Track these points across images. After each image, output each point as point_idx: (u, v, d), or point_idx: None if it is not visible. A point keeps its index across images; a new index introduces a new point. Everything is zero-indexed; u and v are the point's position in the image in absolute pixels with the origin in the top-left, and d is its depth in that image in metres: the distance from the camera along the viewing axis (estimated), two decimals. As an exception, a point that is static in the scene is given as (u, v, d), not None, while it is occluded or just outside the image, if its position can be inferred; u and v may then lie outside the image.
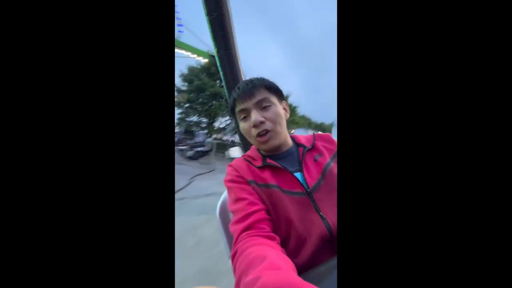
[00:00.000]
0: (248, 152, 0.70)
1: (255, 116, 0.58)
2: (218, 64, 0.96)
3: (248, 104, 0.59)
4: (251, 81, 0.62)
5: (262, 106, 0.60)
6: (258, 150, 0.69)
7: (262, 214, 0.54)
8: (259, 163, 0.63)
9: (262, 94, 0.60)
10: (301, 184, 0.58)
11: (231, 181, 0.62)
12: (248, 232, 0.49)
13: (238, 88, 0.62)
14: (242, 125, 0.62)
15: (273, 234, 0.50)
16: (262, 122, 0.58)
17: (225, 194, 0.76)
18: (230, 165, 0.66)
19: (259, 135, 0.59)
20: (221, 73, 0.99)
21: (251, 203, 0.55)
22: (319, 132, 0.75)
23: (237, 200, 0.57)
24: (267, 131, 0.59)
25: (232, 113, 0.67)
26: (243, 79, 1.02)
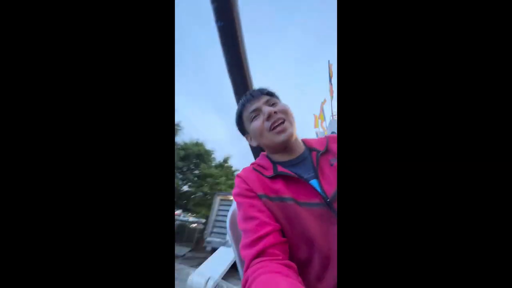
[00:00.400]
0: (257, 160, 0.66)
1: (267, 108, 0.59)
2: (227, 70, 0.98)
3: (258, 103, 0.62)
4: (255, 89, 0.66)
5: (271, 104, 0.62)
6: (268, 157, 0.66)
7: (275, 237, 0.49)
8: (270, 172, 0.59)
9: (267, 97, 0.64)
10: (319, 193, 0.53)
11: (240, 195, 0.58)
12: (260, 259, 0.45)
13: (246, 95, 0.65)
14: (254, 124, 0.61)
15: (288, 262, 0.45)
16: (275, 112, 0.59)
17: (234, 205, 0.71)
18: (238, 176, 0.62)
19: (275, 126, 0.58)
20: (230, 79, 1.00)
21: (262, 224, 0.50)
22: (332, 134, 0.72)
23: (247, 218, 0.53)
24: (281, 120, 0.59)
25: (239, 122, 0.68)
26: (252, 85, 1.03)
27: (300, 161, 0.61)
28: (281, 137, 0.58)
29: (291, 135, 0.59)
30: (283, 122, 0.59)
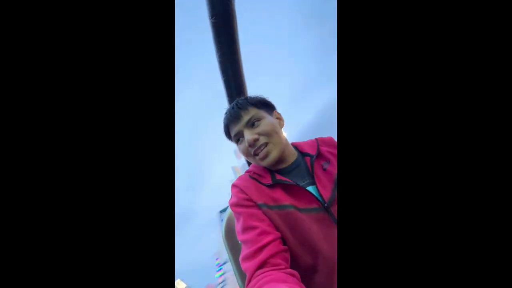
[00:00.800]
0: (252, 168, 0.64)
1: (247, 136, 0.56)
2: (220, 69, 0.94)
3: (239, 126, 0.58)
4: (236, 103, 0.61)
5: (252, 124, 0.58)
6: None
7: (277, 246, 0.48)
8: (268, 180, 0.57)
9: (250, 113, 0.59)
10: (317, 198, 0.53)
11: (238, 205, 0.56)
12: (262, 270, 0.44)
13: (226, 113, 0.62)
14: (239, 148, 0.61)
15: (291, 270, 0.45)
16: (256, 140, 0.56)
17: (229, 213, 0.69)
18: (235, 185, 0.60)
19: (257, 152, 0.57)
20: (222, 79, 0.97)
21: (263, 233, 0.49)
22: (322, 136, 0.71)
23: (246, 229, 0.51)
24: (264, 145, 0.57)
25: (228, 137, 0.65)
26: (246, 86, 1.00)
27: (294, 168, 0.61)
28: (265, 162, 0.58)
29: (276, 157, 0.57)
30: (266, 145, 0.57)
